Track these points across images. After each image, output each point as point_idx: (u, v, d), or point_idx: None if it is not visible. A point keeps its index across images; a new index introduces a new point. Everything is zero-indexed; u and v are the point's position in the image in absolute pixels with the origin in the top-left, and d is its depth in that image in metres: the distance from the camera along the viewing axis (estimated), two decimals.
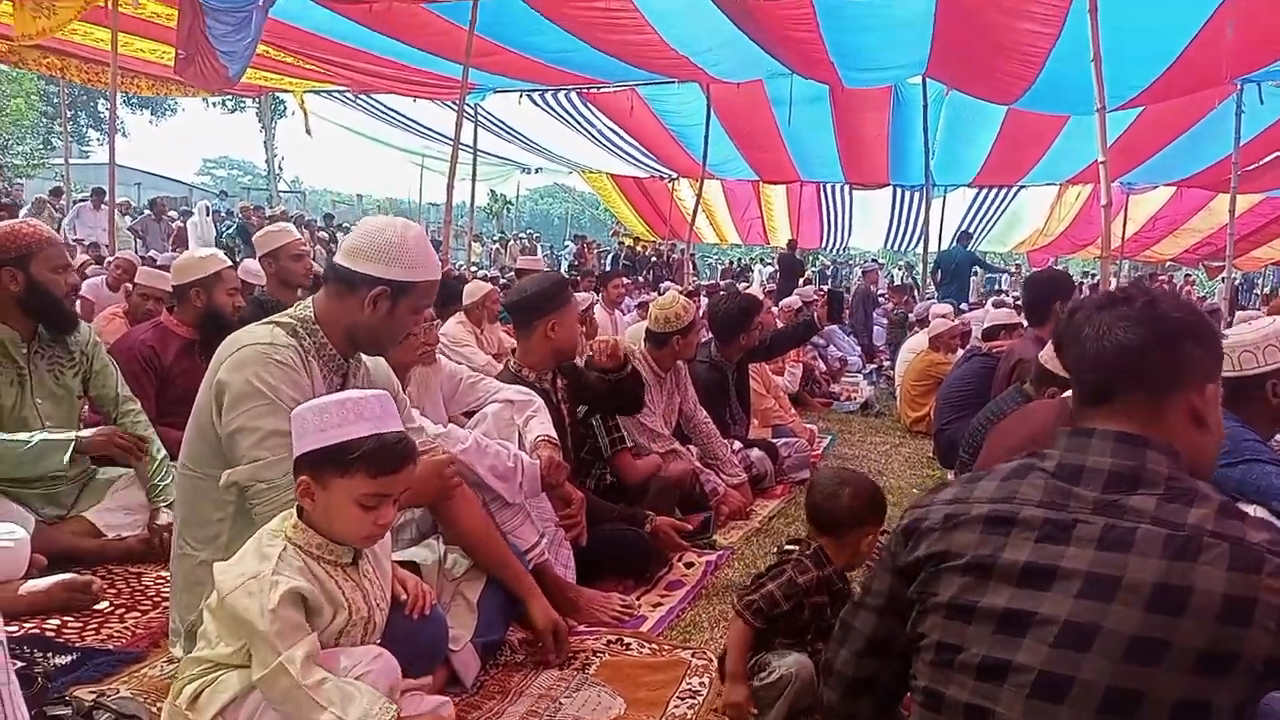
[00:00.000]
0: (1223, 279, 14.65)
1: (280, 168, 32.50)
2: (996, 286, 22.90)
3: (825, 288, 12.67)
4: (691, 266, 17.61)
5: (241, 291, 4.09)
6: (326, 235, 17.53)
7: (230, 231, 14.35)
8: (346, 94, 13.11)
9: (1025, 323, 5.21)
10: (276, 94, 17.29)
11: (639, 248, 21.89)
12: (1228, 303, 12.85)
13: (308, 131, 13.28)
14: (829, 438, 6.28)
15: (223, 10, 7.75)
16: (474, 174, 14.61)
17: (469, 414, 2.98)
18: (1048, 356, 3.67)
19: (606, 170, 18.65)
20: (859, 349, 10.75)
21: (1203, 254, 19.50)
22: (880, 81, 11.49)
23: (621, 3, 7.72)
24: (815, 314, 5.20)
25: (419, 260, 2.09)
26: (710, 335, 4.65)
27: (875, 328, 11.87)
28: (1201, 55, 7.94)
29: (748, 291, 5.00)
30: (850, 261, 25.84)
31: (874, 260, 23.65)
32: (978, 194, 17.54)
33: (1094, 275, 24.35)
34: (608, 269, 20.26)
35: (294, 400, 1.89)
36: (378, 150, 17.45)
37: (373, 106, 13.99)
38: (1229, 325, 9.79)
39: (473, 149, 14.40)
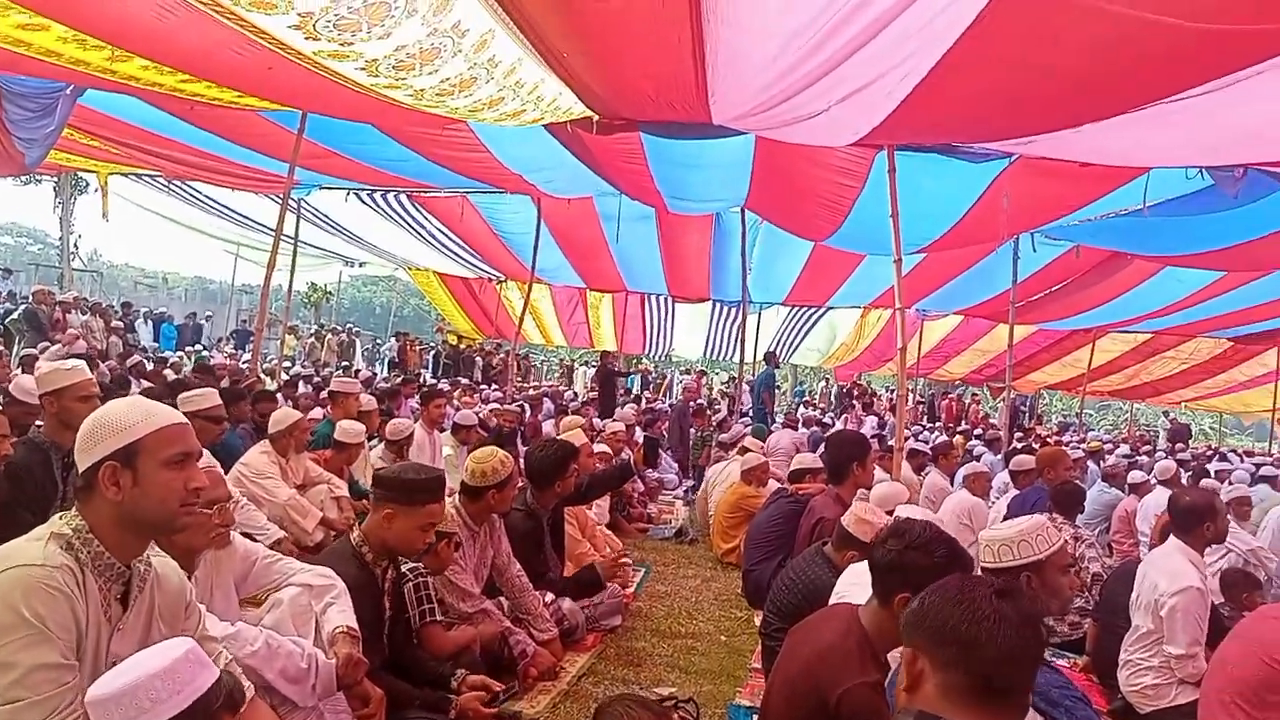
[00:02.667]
0: (1003, 399, 16.07)
1: (76, 245, 30.11)
2: (805, 398, 24.13)
3: (647, 412, 12.91)
4: (517, 367, 17.58)
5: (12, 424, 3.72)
6: (123, 326, 16.31)
7: (15, 317, 12.97)
8: (158, 179, 12.44)
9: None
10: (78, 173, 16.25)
11: (463, 346, 21.67)
12: (1007, 420, 14.09)
13: (104, 216, 12.41)
14: (643, 571, 6.32)
15: (25, 96, 7.23)
16: (293, 265, 14.10)
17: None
18: (850, 521, 3.89)
19: (434, 269, 18.50)
20: (676, 466, 10.96)
21: (987, 375, 21.33)
22: (703, 210, 12.09)
23: (457, 125, 7.79)
24: (632, 458, 5.30)
25: (130, 419, 1.95)
26: (526, 481, 4.62)
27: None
28: (983, 217, 8.86)
29: (563, 439, 5.00)
30: (671, 370, 26.52)
31: (699, 370, 24.41)
32: (790, 312, 18.59)
33: (894, 390, 26.10)
34: (430, 369, 19.92)
35: (64, 631, 1.73)
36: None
37: (185, 193, 13.33)
38: (1012, 446, 10.68)
39: (294, 240, 13.95)
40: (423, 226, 14.43)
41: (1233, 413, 25.07)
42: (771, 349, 18.38)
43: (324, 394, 8.26)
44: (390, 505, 2.99)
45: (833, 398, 23.17)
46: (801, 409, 18.20)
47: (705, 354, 21.62)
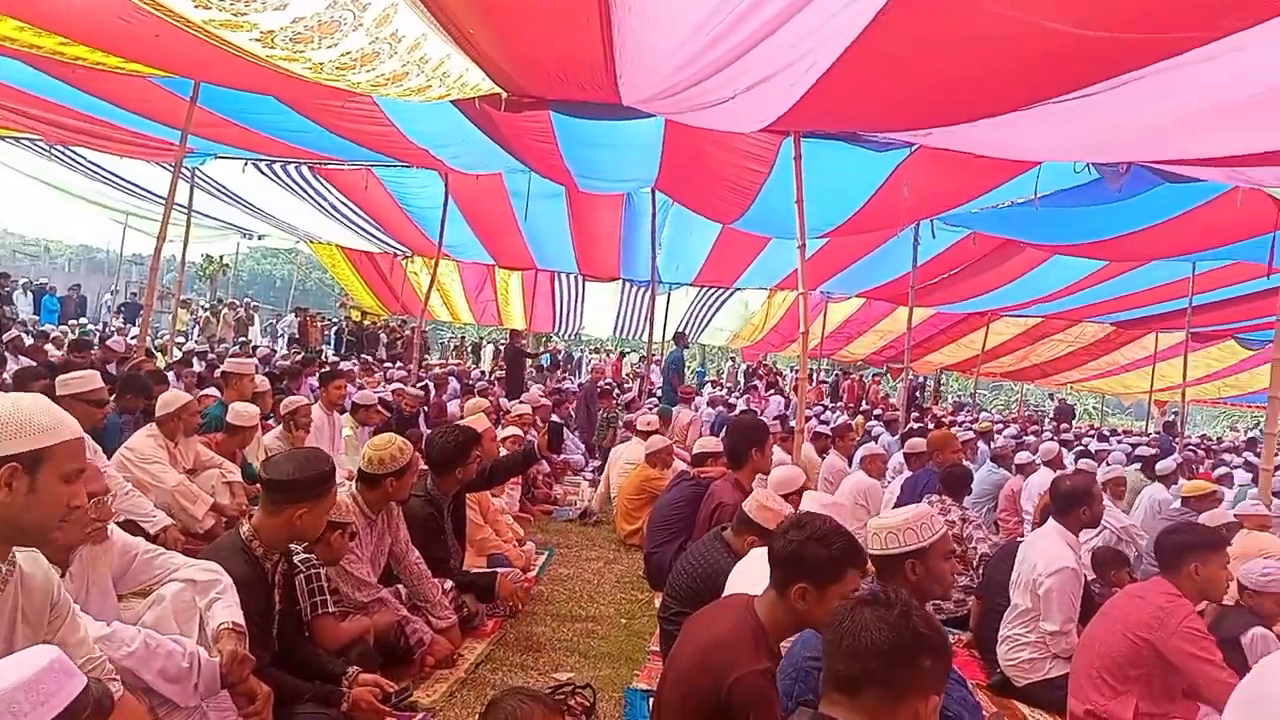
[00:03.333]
0: (902, 380, 16.59)
1: None
2: (706, 379, 24.42)
3: (554, 392, 12.86)
4: (423, 344, 17.29)
5: None
6: None
7: None
8: (39, 143, 11.73)
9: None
10: None
11: (367, 322, 21.19)
12: (905, 401, 14.55)
13: None
14: (547, 553, 6.33)
15: None
16: (187, 236, 13.50)
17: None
18: (752, 507, 3.95)
19: (337, 243, 18.00)
20: (583, 447, 10.97)
21: (887, 356, 21.97)
22: (613, 190, 12.07)
23: (361, 98, 7.57)
24: (536, 442, 5.29)
25: (46, 423, 1.86)
26: (426, 467, 4.56)
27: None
28: (884, 203, 9.09)
29: (465, 424, 4.95)
30: (582, 347, 26.48)
31: (620, 351, 24.46)
32: (699, 292, 18.74)
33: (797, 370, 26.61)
34: (332, 345, 19.42)
35: None
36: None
37: (69, 158, 12.62)
38: (909, 426, 11.02)
39: (187, 210, 13.38)
40: (325, 199, 14.01)
41: (1114, 394, 26.43)
42: (681, 329, 18.56)
43: (218, 373, 7.97)
44: (299, 505, 2.91)
45: (739, 377, 23.52)
46: (708, 388, 18.41)
47: (615, 333, 21.68)
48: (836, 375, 24.44)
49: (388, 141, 9.55)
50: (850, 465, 8.48)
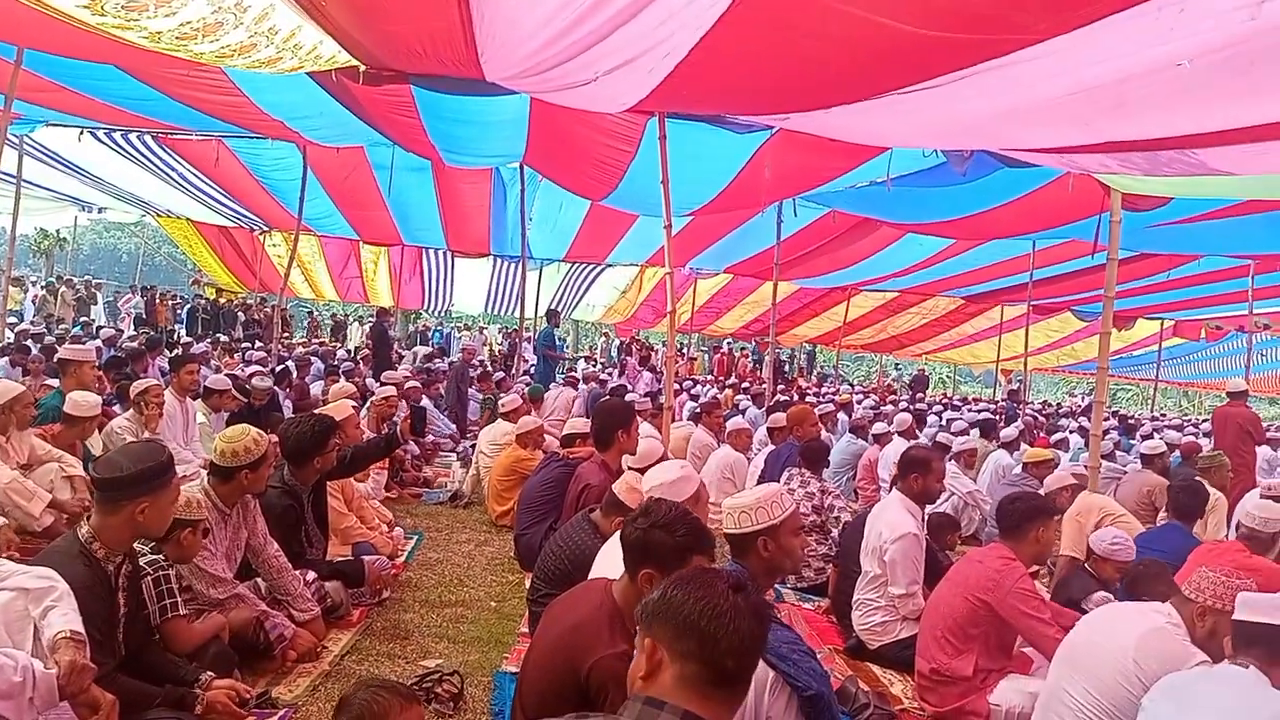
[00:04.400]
0: (769, 353, 17.09)
1: None
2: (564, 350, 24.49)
3: (423, 372, 12.63)
4: (283, 323, 16.66)
5: None
6: None
7: None
8: None
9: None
10: None
11: (223, 300, 20.22)
12: (772, 373, 15.00)
13: None
14: (416, 538, 6.26)
15: None
16: (16, 207, 12.49)
17: None
18: (622, 489, 4.02)
19: (187, 216, 17.07)
20: (453, 427, 10.84)
21: (754, 330, 22.54)
22: (480, 164, 11.89)
23: (208, 66, 7.17)
24: (400, 428, 5.20)
25: None
26: (282, 458, 4.42)
27: (471, 403, 12.05)
28: (747, 183, 9.30)
29: (327, 411, 4.84)
30: (453, 325, 26.00)
31: (480, 325, 24.15)
32: (571, 268, 18.73)
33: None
34: (184, 325, 18.46)
35: None
36: None
37: None
38: (775, 399, 11.34)
39: (16, 179, 12.38)
40: (173, 170, 13.26)
41: (965, 363, 27.95)
42: (553, 306, 18.51)
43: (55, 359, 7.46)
44: (140, 500, 2.79)
45: (612, 353, 23.66)
46: (582, 364, 18.47)
47: (487, 309, 21.44)
48: (706, 350, 24.92)
49: (239, 112, 9.12)
50: (719, 440, 8.70)
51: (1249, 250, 11.63)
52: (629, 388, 12.34)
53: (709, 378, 20.31)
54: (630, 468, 4.53)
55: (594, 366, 19.05)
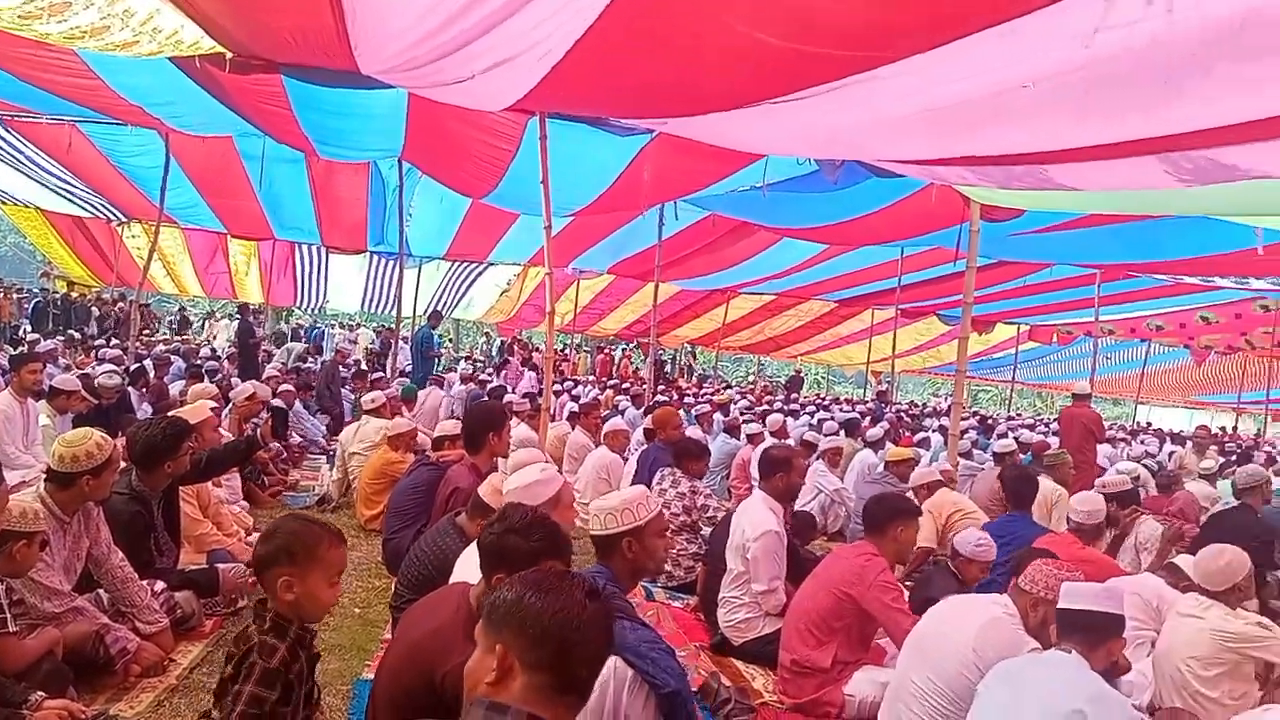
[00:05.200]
0: (650, 354, 17.25)
1: None
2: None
3: (293, 372, 12.19)
4: (140, 318, 15.81)
5: None
6: None
7: None
8: None
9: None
10: None
11: (75, 294, 19.00)
12: (652, 373, 15.15)
13: None
14: None
15: None
16: None
17: None
18: (486, 491, 3.98)
19: (36, 205, 15.98)
20: (323, 429, 10.51)
21: (636, 331, 22.71)
22: (356, 159, 11.58)
23: (57, 49, 6.74)
24: (260, 430, 5.00)
25: None
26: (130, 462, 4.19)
27: (345, 404, 11.71)
28: (627, 186, 9.37)
29: (182, 413, 4.62)
30: (327, 322, 25.15)
31: (356, 324, 23.50)
32: (451, 266, 18.43)
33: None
34: (31, 320, 17.32)
35: None
36: None
37: None
38: (655, 400, 11.44)
39: None
40: (20, 154, 12.41)
41: (838, 364, 28.90)
42: (435, 306, 18.21)
43: None
44: None
45: (494, 352, 23.41)
46: (461, 365, 18.21)
47: (363, 307, 20.88)
48: (589, 350, 24.96)
49: (94, 95, 8.60)
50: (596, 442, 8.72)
51: (1095, 260, 12.44)
52: (507, 388, 12.23)
53: (591, 378, 20.34)
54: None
55: (474, 367, 18.78)
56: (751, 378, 30.14)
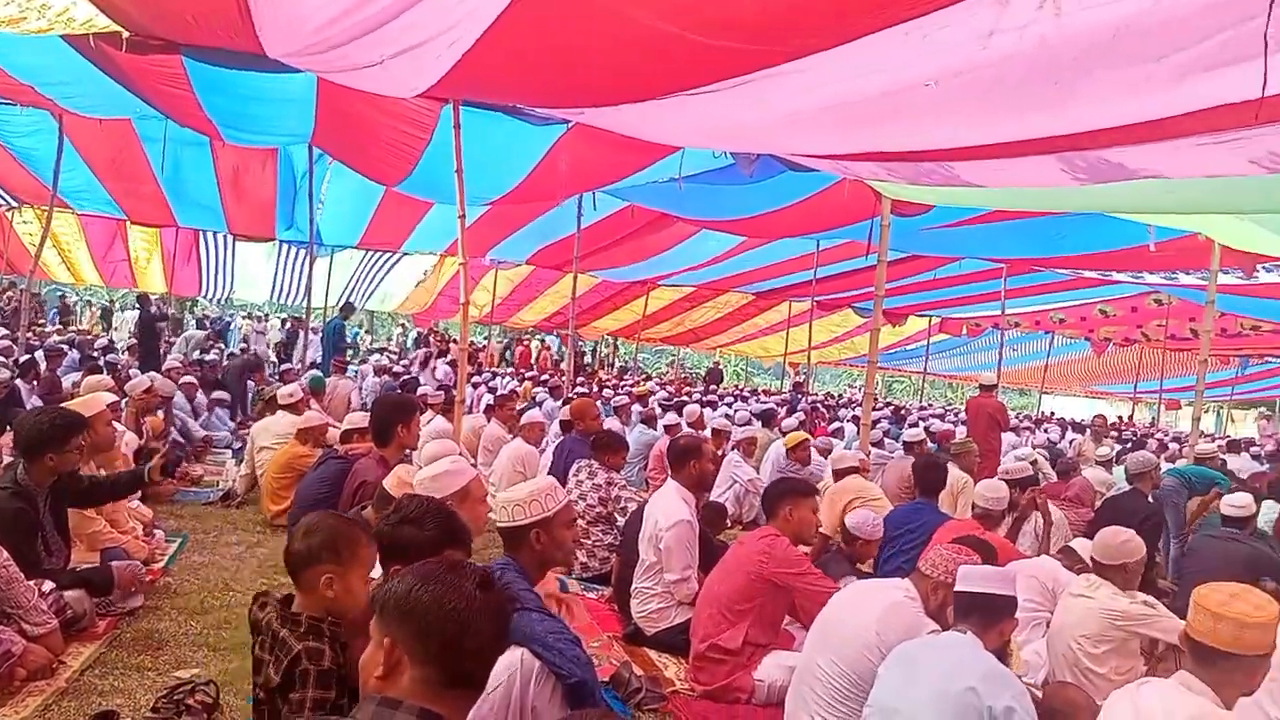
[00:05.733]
0: (569, 346, 17.21)
1: None
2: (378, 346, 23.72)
3: (197, 364, 11.78)
4: (35, 309, 15.08)
5: None
6: None
7: None
8: None
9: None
10: None
11: None
12: (571, 365, 15.12)
13: None
14: (179, 540, 5.85)
15: None
16: None
17: None
18: (392, 484, 3.91)
19: None
20: (231, 424, 10.19)
21: (556, 322, 22.60)
22: (264, 143, 11.24)
23: None
24: (150, 467, 4.62)
25: None
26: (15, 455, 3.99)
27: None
28: (544, 176, 9.30)
29: (76, 405, 4.42)
30: (234, 313, 24.31)
31: (261, 313, 22.80)
32: (364, 256, 18.03)
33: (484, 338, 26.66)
34: None
35: None
36: None
37: None
38: (576, 391, 11.41)
39: None
40: None
41: (756, 356, 29.28)
42: (348, 297, 17.83)
43: None
44: None
45: (409, 344, 23.02)
46: (375, 357, 17.86)
47: (272, 298, 20.27)
48: (507, 341, 24.77)
49: None
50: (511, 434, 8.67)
51: (1001, 254, 12.86)
52: (420, 380, 12.05)
53: (510, 370, 20.19)
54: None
55: (388, 358, 18.43)
56: (668, 370, 30.34)
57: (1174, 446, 13.90)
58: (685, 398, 14.62)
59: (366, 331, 27.26)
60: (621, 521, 6.04)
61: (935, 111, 4.22)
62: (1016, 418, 19.32)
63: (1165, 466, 8.30)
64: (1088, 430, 14.70)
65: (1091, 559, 4.35)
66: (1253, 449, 14.81)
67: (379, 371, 13.63)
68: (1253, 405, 30.51)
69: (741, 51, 3.78)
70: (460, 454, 5.04)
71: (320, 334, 14.76)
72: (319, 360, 13.91)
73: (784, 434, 9.79)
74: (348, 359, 14.10)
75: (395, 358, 18.79)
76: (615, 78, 4.89)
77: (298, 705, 2.27)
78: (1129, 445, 13.48)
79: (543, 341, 24.35)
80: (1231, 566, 5.24)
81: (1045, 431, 16.64)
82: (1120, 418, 24.70)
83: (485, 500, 3.44)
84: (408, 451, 4.90)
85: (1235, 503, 5.89)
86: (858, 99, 4.22)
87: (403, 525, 2.45)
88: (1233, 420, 30.95)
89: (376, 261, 18.45)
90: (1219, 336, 17.12)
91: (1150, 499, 6.83)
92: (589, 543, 6.00)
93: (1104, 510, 6.69)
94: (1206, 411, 26.09)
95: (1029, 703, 2.81)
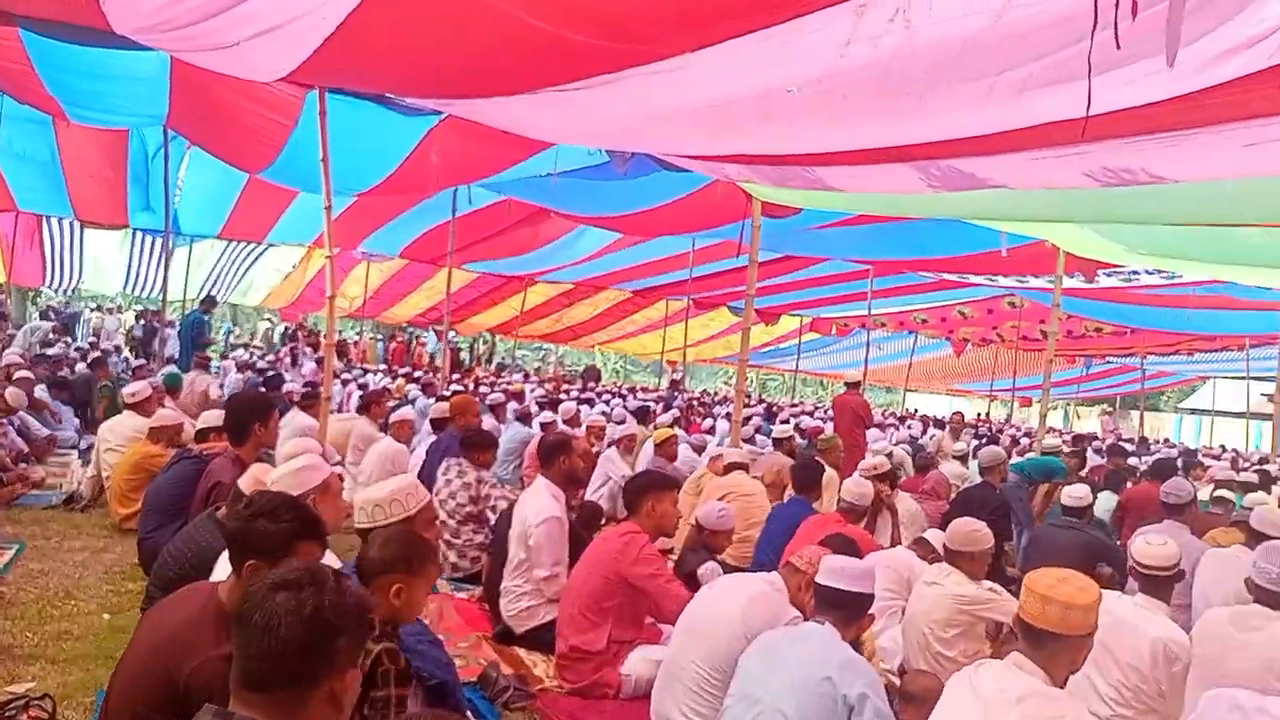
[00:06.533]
0: (445, 342, 16.95)
1: None
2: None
3: (40, 360, 11.03)
4: None
5: None
6: None
7: None
8: None
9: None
10: None
11: None
12: (446, 361, 14.87)
13: None
14: (15, 548, 5.46)
15: None
16: None
17: None
18: (247, 482, 3.75)
19: None
20: (77, 422, 9.57)
21: (431, 318, 22.17)
22: (115, 124, 10.60)
23: None
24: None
25: None
26: None
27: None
28: (415, 167, 9.10)
29: None
30: (82, 304, 22.72)
31: (113, 305, 21.48)
32: (228, 246, 17.24)
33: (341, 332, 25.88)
34: None
35: None
36: None
37: None
38: (453, 388, 11.22)
39: None
40: None
41: (634, 354, 29.48)
42: (209, 289, 17.05)
43: None
44: None
45: (275, 339, 22.11)
46: (239, 352, 17.11)
47: (126, 289, 19.11)
48: (381, 337, 24.14)
49: None
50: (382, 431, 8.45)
51: (867, 256, 13.37)
52: (285, 376, 11.62)
53: (383, 367, 19.69)
54: None
55: (252, 354, 17.67)
56: (540, 366, 30.18)
57: (1025, 441, 14.71)
58: (563, 395, 14.59)
59: (238, 326, 26.01)
60: (494, 519, 5.99)
61: (798, 117, 4.34)
62: (882, 414, 20.13)
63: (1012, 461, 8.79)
64: (946, 426, 15.42)
65: (944, 547, 4.57)
66: (1094, 444, 15.84)
67: (242, 368, 13.06)
68: (1096, 402, 32.73)
69: (609, 50, 3.80)
70: (325, 452, 4.91)
71: (178, 328, 14.02)
72: (176, 355, 13.22)
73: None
74: (209, 355, 13.43)
75: (261, 353, 18.04)
76: (484, 70, 4.83)
77: (382, 703, 2.46)
78: (984, 440, 14.21)
79: (417, 337, 23.82)
80: (1070, 554, 5.57)
81: (908, 428, 17.35)
82: (979, 414, 26.05)
83: (342, 496, 3.36)
84: (267, 451, 4.71)
85: (1074, 494, 6.28)
86: (724, 102, 4.30)
87: (256, 519, 2.37)
88: (1079, 417, 33.01)
89: (240, 252, 17.65)
90: (1066, 338, 18.30)
91: (999, 490, 7.23)
92: (459, 542, 5.92)
93: (957, 502, 7.03)
94: (1054, 409, 27.84)
95: (882, 690, 2.94)
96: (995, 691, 2.48)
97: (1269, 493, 8.62)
